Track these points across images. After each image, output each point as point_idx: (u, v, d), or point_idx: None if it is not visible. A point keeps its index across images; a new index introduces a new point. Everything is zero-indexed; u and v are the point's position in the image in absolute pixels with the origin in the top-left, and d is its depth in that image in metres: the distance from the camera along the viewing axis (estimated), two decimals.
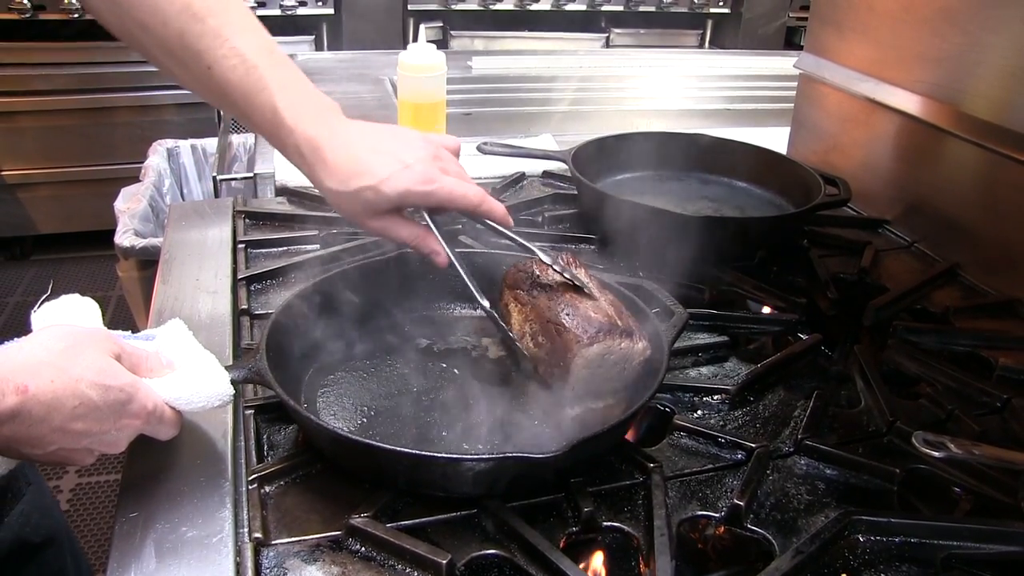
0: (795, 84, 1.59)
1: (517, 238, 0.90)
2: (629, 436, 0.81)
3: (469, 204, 0.87)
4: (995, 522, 0.72)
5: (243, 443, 0.78)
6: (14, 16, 2.96)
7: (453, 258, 0.88)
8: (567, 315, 0.81)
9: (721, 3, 3.63)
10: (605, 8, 3.51)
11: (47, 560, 0.95)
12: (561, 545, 0.67)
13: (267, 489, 0.72)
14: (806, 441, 0.81)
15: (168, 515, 0.69)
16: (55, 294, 0.78)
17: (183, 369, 0.72)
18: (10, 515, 0.89)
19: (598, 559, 0.72)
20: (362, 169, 0.83)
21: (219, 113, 3.12)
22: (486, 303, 0.86)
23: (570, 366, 0.79)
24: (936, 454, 0.67)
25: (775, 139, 1.56)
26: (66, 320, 0.74)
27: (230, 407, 0.78)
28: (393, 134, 0.87)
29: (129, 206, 2.02)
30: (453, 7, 3.35)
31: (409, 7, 3.33)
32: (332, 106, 0.87)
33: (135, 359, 0.69)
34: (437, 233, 0.88)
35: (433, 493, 0.71)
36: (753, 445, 0.79)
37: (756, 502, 0.74)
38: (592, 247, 1.19)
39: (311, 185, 0.87)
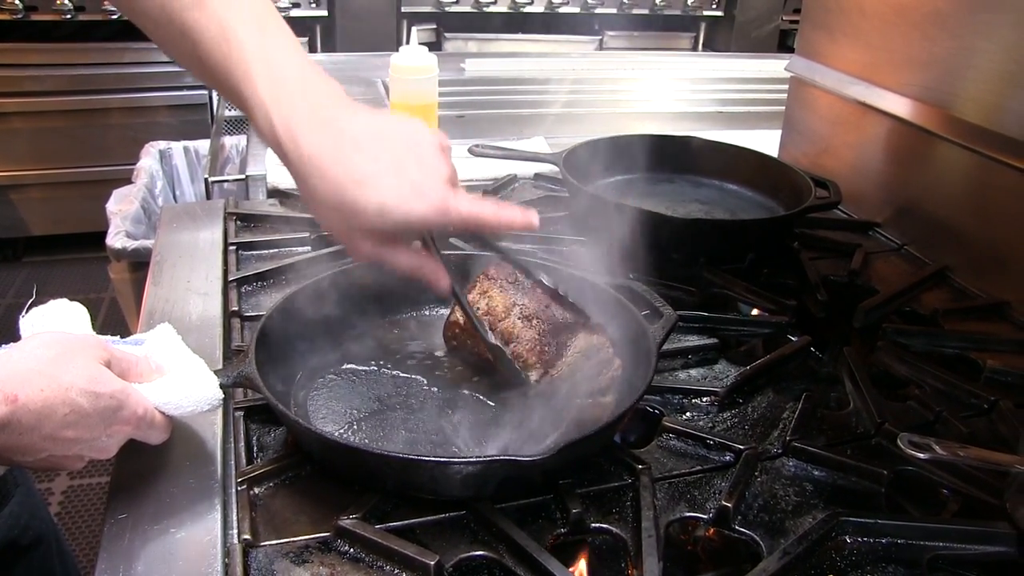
0: (787, 87, 1.59)
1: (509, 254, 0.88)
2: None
3: (487, 224, 0.77)
4: (981, 523, 0.72)
5: (232, 445, 0.78)
6: (6, 16, 2.96)
7: (457, 289, 0.82)
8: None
9: (714, 6, 3.64)
10: (598, 11, 3.51)
11: (35, 561, 0.95)
12: (549, 546, 0.67)
13: (256, 491, 0.72)
14: (794, 443, 0.81)
15: (157, 516, 0.69)
16: (45, 297, 0.77)
17: (172, 374, 0.72)
18: (0, 516, 0.88)
19: (586, 561, 0.72)
20: (368, 188, 0.70)
21: (212, 115, 3.12)
22: (492, 339, 0.83)
23: (567, 345, 0.79)
24: (921, 456, 0.67)
25: (767, 142, 1.56)
26: (54, 325, 0.74)
27: (220, 409, 0.78)
28: (406, 144, 0.73)
29: (121, 208, 2.01)
30: (446, 9, 3.36)
31: (402, 9, 3.33)
32: (331, 95, 0.74)
33: (125, 365, 0.69)
34: (438, 257, 0.80)
35: (422, 495, 0.71)
36: (742, 447, 0.79)
37: (744, 503, 0.74)
38: (583, 249, 1.19)
39: None
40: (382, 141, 0.72)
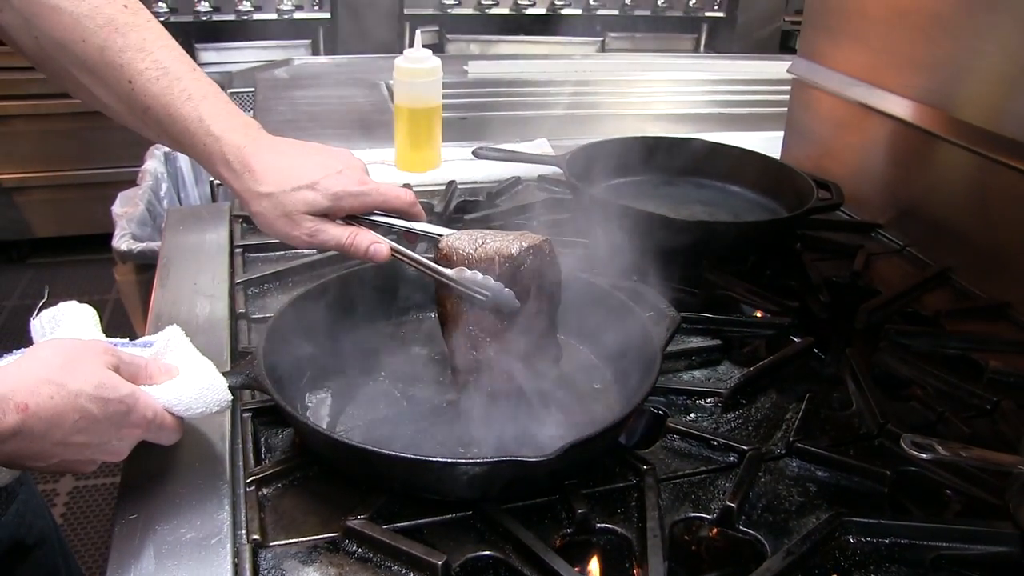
0: (789, 88, 1.60)
1: (429, 229, 0.88)
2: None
3: (403, 203, 0.87)
4: (984, 523, 0.73)
5: (241, 446, 0.78)
6: None
7: (396, 245, 0.85)
8: None
9: (716, 7, 3.64)
10: (601, 12, 3.51)
11: (40, 560, 0.96)
12: (555, 546, 0.68)
13: (265, 491, 0.73)
14: (798, 443, 0.81)
15: (167, 517, 0.69)
16: (52, 300, 0.78)
17: (182, 376, 0.72)
18: (6, 515, 0.89)
19: (592, 560, 0.72)
20: (295, 172, 0.82)
21: None
22: (450, 271, 0.84)
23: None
24: (923, 456, 0.68)
25: (769, 143, 1.57)
26: (65, 327, 0.74)
27: (228, 411, 0.79)
28: (318, 147, 0.88)
29: (127, 210, 2.02)
30: (449, 11, 3.36)
31: (405, 11, 3.33)
32: (253, 121, 0.86)
33: (133, 368, 0.69)
34: (369, 227, 0.86)
35: (429, 496, 0.72)
36: (745, 447, 0.80)
37: (748, 504, 0.75)
38: (586, 251, 1.20)
39: None
40: (299, 143, 0.87)
